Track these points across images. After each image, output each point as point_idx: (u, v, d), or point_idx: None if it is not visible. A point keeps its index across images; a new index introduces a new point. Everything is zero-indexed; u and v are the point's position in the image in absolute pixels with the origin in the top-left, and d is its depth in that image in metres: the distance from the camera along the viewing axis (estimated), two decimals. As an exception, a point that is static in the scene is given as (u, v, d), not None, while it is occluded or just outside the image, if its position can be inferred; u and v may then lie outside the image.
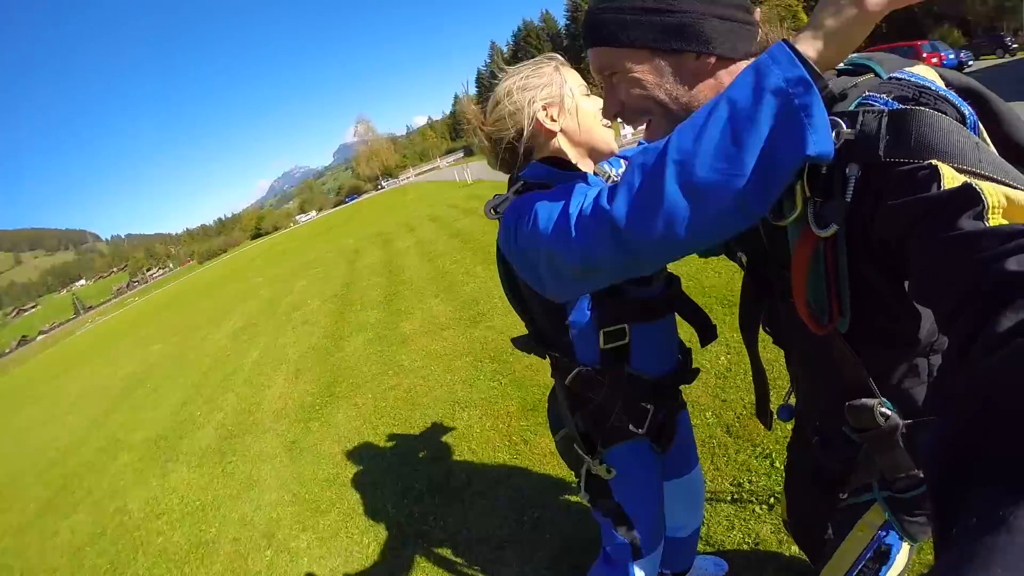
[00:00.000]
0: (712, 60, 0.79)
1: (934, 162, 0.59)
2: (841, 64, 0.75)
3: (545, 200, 0.93)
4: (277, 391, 6.78)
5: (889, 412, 0.89)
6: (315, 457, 4.57)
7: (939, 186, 0.57)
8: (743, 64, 0.79)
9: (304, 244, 24.19)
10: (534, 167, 1.19)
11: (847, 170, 0.66)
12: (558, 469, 3.04)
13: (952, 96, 0.67)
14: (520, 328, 1.44)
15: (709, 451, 2.79)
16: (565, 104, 1.16)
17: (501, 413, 3.89)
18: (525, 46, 70.30)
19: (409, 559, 2.88)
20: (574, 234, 0.82)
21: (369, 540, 3.21)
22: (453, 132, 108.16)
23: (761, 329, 1.16)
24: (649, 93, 0.82)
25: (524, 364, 4.51)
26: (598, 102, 1.12)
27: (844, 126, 0.65)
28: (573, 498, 2.81)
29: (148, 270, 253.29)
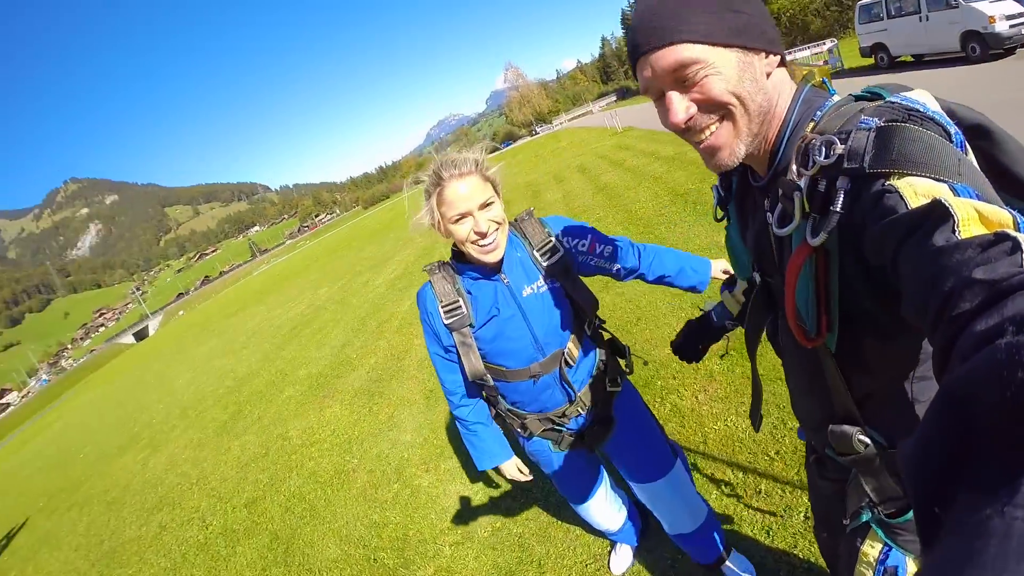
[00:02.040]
0: (777, 59, 0.96)
1: (893, 183, 0.74)
2: (859, 91, 0.93)
3: None
4: (422, 341, 8.09)
5: (868, 440, 1.05)
6: (446, 407, 5.54)
7: (906, 205, 0.71)
8: (783, 70, 1.00)
9: None
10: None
11: (837, 183, 0.81)
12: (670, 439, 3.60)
13: (939, 117, 0.80)
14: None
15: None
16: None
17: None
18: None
19: (507, 510, 3.74)
20: None
21: (478, 489, 4.15)
22: (604, 75, 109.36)
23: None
24: (732, 87, 0.91)
25: (644, 338, 5.09)
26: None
27: (838, 142, 0.81)
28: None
29: (316, 216, 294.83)
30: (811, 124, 0.93)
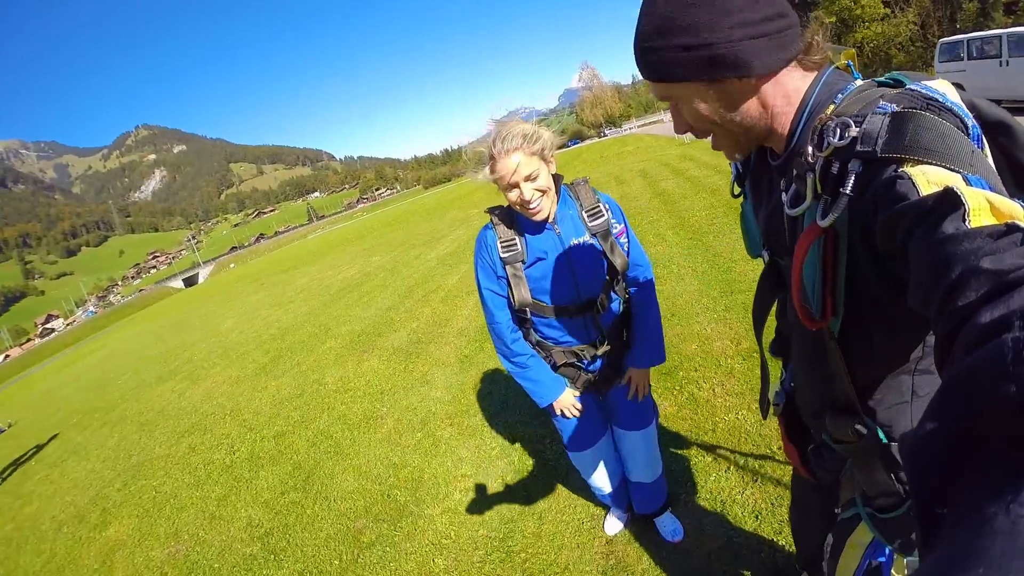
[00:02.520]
0: (754, 82, 0.99)
1: (907, 169, 0.76)
2: (882, 78, 0.98)
3: None
4: (465, 313, 8.49)
5: (864, 430, 1.10)
6: (479, 372, 5.93)
7: (917, 193, 0.73)
8: (787, 70, 1.01)
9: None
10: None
11: (849, 165, 0.85)
12: (678, 424, 3.78)
13: (957, 108, 0.83)
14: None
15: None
16: None
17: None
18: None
19: (520, 467, 4.02)
20: None
21: (496, 445, 4.40)
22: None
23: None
24: (702, 115, 1.05)
25: (674, 333, 5.22)
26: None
27: (852, 125, 0.85)
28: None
29: (377, 189, 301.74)
30: (831, 107, 0.96)
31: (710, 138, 1.13)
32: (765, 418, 1.62)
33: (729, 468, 3.25)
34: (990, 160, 0.88)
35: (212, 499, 5.37)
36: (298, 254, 44.57)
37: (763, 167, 1.23)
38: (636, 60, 1.05)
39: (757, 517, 2.85)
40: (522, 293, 2.15)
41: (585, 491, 3.41)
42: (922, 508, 0.42)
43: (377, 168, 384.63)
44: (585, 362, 2.41)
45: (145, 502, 6.01)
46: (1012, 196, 0.68)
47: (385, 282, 13.72)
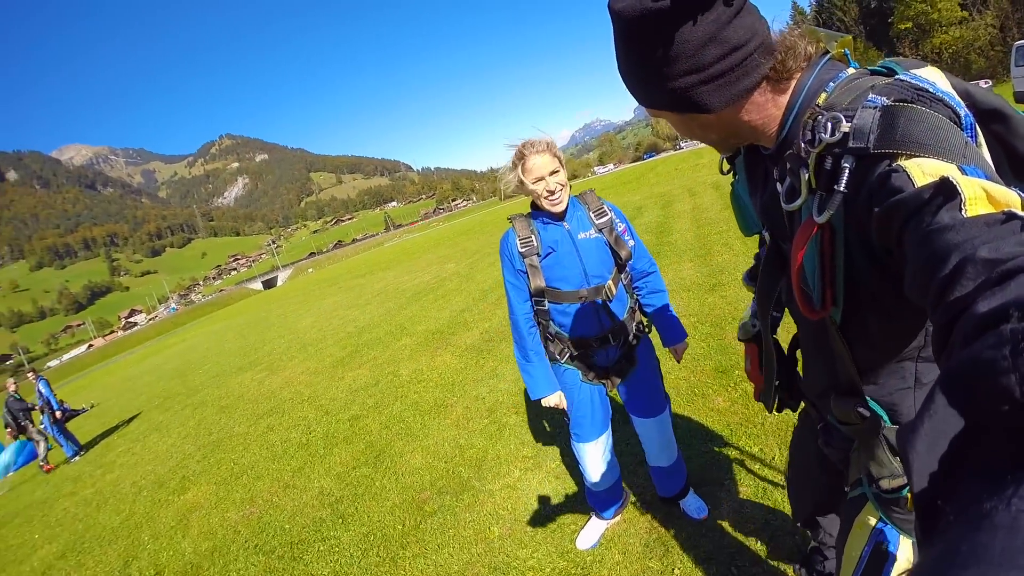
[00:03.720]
0: (714, 117, 1.06)
1: (901, 163, 0.78)
2: (875, 66, 1.01)
3: None
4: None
5: (867, 413, 1.14)
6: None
7: (913, 184, 0.75)
8: (762, 92, 1.04)
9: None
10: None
11: (842, 161, 0.88)
12: (729, 417, 3.87)
13: (949, 98, 0.85)
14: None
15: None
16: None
17: (698, 369, 4.87)
18: (829, 7, 68.79)
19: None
20: None
21: (561, 427, 4.61)
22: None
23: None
24: (686, 133, 1.16)
25: (732, 335, 5.29)
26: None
27: (844, 120, 0.88)
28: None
29: (453, 200, 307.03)
30: (823, 95, 0.99)
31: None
32: (770, 412, 1.64)
33: (774, 458, 3.37)
34: (984, 150, 0.91)
35: (287, 471, 5.80)
36: (375, 260, 46.01)
37: (757, 155, 1.27)
38: (627, 86, 1.14)
39: (764, 493, 3.04)
40: (538, 281, 2.59)
41: (633, 474, 3.64)
42: (921, 501, 0.43)
43: (453, 179, 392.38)
44: (599, 354, 2.74)
45: (223, 472, 6.54)
46: (1009, 185, 0.69)
47: (460, 286, 14.13)
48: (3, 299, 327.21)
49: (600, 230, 2.62)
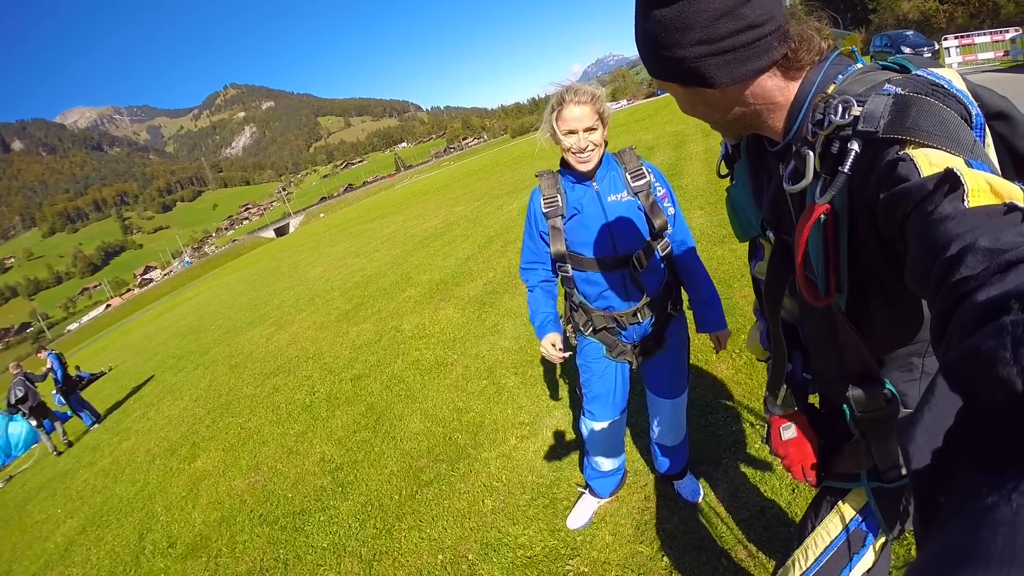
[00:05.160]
0: (721, 91, 1.04)
1: (909, 151, 0.78)
2: (885, 61, 1.01)
3: None
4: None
5: (891, 394, 1.12)
6: None
7: (919, 174, 0.75)
8: (766, 76, 1.03)
9: (609, 134, 26.65)
10: None
11: (849, 144, 0.87)
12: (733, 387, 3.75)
13: (962, 96, 0.86)
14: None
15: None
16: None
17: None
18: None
19: (572, 420, 4.15)
20: None
21: (558, 396, 4.57)
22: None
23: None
24: (687, 110, 1.15)
25: (740, 295, 5.16)
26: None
27: (855, 103, 0.87)
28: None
29: (464, 139, 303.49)
30: (832, 86, 0.99)
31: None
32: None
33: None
34: (991, 150, 0.91)
35: (291, 435, 5.84)
36: (385, 203, 45.84)
37: (762, 154, 1.26)
38: (642, 56, 1.12)
39: (793, 491, 2.85)
40: (559, 245, 2.43)
41: (632, 447, 3.55)
42: (921, 494, 0.44)
43: (464, 118, 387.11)
44: (626, 332, 2.56)
45: (231, 437, 6.61)
46: (1012, 181, 0.69)
47: (466, 232, 14.02)
48: (19, 268, 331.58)
49: (635, 193, 2.38)
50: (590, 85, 2.27)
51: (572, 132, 2.24)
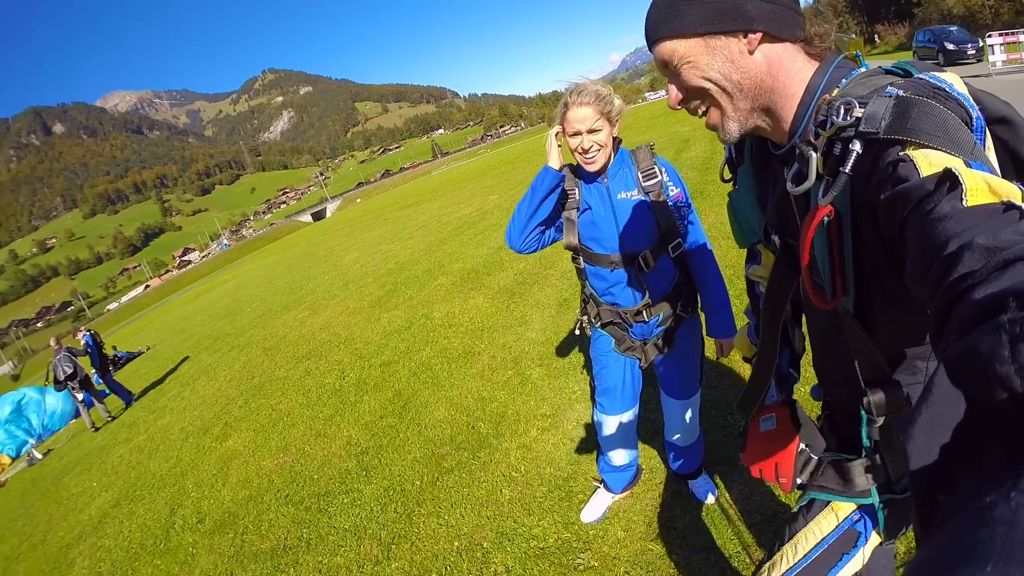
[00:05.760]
0: (758, 37, 1.02)
1: (910, 152, 0.79)
2: (888, 65, 1.00)
3: None
4: (570, 257, 8.68)
5: (908, 395, 1.10)
6: (574, 315, 6.09)
7: (918, 174, 0.76)
8: (790, 46, 1.05)
9: (645, 124, 26.18)
10: None
11: (851, 145, 0.88)
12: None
13: (963, 99, 0.87)
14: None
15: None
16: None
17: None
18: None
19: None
20: None
21: (577, 389, 4.61)
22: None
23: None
24: (703, 73, 1.06)
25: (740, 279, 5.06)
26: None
27: (857, 105, 0.88)
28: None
29: (501, 127, 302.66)
30: (835, 90, 1.00)
31: (699, 113, 1.16)
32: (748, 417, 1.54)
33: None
34: (991, 153, 0.92)
35: (320, 418, 6.00)
36: (421, 190, 46.10)
37: (766, 158, 1.26)
38: (646, 24, 1.11)
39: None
40: (572, 237, 2.49)
41: (646, 444, 3.58)
42: (920, 493, 0.44)
43: (501, 105, 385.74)
44: (634, 328, 2.60)
45: (262, 418, 6.80)
46: (1012, 182, 0.69)
47: (500, 221, 14.06)
48: (60, 248, 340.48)
49: (646, 193, 2.38)
50: (597, 84, 2.28)
51: (576, 133, 2.26)
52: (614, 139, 2.36)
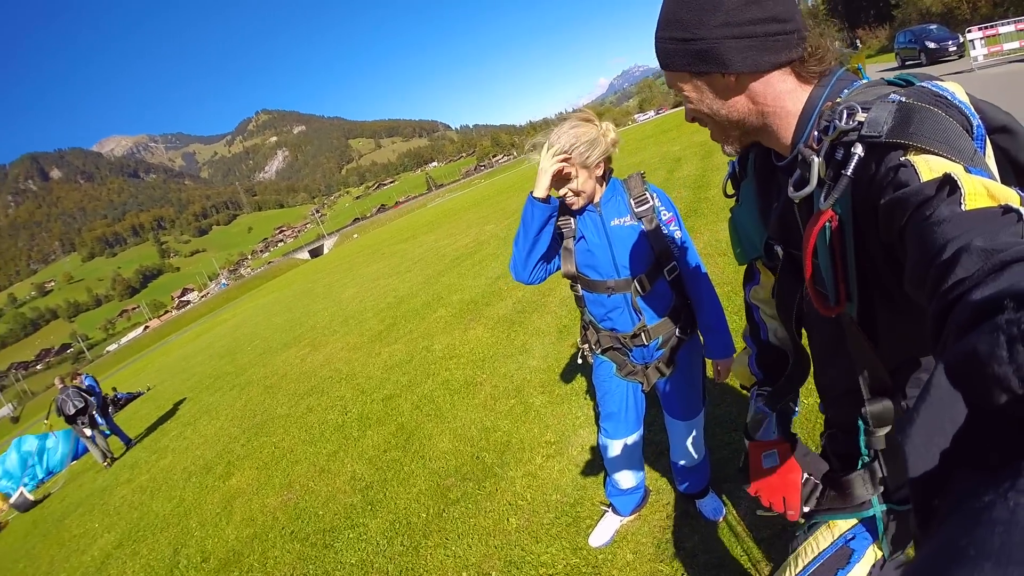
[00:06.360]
0: (734, 78, 1.06)
1: (911, 157, 0.81)
2: (891, 77, 1.03)
3: None
4: (567, 284, 8.74)
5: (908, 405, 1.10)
6: (575, 341, 6.11)
7: (918, 179, 0.77)
8: (778, 73, 1.06)
9: (636, 145, 26.40)
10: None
11: (852, 148, 0.90)
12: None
13: (965, 107, 0.88)
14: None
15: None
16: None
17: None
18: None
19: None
20: None
21: (581, 415, 4.60)
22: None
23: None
24: (695, 106, 1.15)
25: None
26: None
27: (860, 110, 0.90)
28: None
29: (494, 156, 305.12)
30: (838, 100, 1.01)
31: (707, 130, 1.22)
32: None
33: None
34: (991, 161, 0.93)
35: (323, 454, 5.98)
36: (417, 223, 46.28)
37: (769, 171, 1.27)
38: (658, 51, 1.15)
39: None
40: (569, 265, 2.53)
41: (652, 465, 3.59)
42: (918, 494, 0.44)
43: (493, 135, 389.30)
44: (634, 351, 2.63)
45: (265, 456, 6.77)
46: (1011, 187, 0.71)
47: (497, 251, 14.13)
48: (59, 291, 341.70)
49: (639, 218, 2.42)
50: (577, 126, 2.27)
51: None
52: (606, 168, 2.41)
